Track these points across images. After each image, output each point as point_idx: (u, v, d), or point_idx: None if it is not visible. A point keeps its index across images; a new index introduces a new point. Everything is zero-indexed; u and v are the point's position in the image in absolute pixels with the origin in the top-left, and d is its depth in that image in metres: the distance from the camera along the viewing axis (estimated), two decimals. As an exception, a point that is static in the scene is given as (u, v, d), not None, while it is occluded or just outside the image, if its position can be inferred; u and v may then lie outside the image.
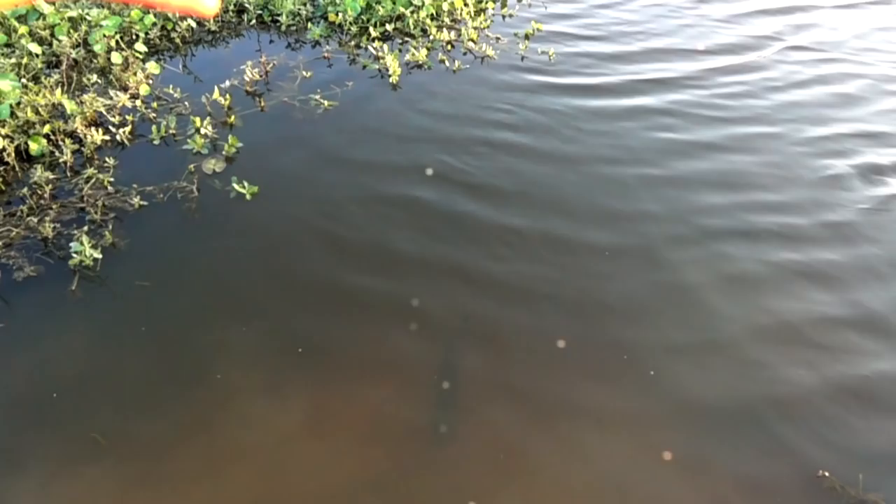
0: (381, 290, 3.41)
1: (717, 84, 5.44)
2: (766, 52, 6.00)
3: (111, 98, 4.56)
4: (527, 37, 5.93)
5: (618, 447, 2.77)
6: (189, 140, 4.30)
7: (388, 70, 5.20)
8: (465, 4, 6.25)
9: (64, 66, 4.91)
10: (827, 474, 2.69)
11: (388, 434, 2.82)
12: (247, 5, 5.93)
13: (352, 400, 2.94)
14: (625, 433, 2.82)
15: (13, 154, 4.03)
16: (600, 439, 2.79)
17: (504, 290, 3.44)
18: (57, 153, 4.10)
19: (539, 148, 4.49)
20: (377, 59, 5.39)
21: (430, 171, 4.17)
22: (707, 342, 3.22)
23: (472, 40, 5.75)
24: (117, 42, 5.23)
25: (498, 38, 5.90)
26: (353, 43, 5.66)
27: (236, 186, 3.93)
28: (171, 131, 4.42)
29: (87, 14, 5.35)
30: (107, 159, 4.10)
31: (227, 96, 4.73)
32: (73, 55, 5.01)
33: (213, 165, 4.16)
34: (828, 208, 4.10)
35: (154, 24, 5.54)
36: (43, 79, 4.74)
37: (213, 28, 5.72)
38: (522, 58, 5.60)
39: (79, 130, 4.24)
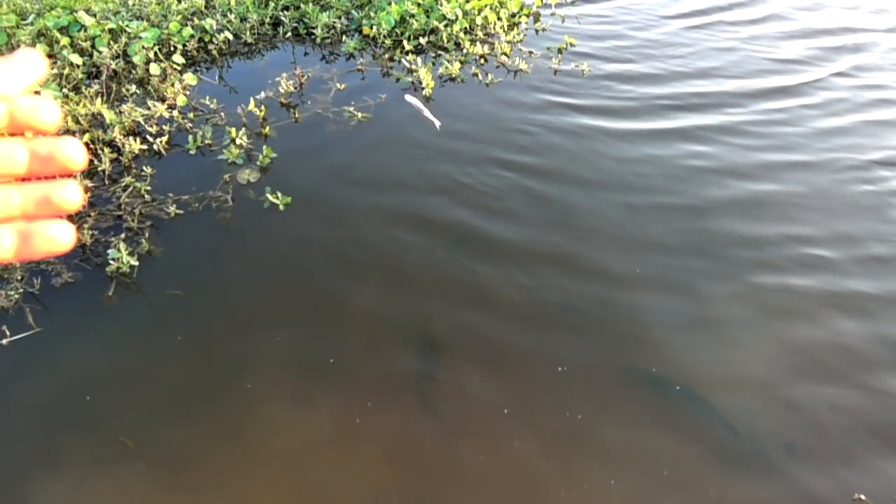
0: (404, 308, 3.39)
1: (754, 111, 5.19)
2: (809, 78, 5.74)
3: (149, 108, 4.63)
4: (560, 51, 5.91)
5: (634, 484, 2.69)
6: (224, 150, 4.34)
7: (421, 83, 5.21)
8: (499, 19, 6.25)
9: (104, 77, 5.00)
10: (863, 497, 2.61)
11: (415, 446, 2.79)
12: (282, 18, 6.00)
13: (381, 411, 2.92)
14: (642, 469, 2.74)
15: (53, 162, 4.09)
16: (617, 475, 2.71)
17: (522, 318, 3.34)
18: (96, 161, 4.16)
19: (564, 175, 4.33)
20: (410, 72, 5.41)
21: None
22: (731, 378, 3.08)
23: (506, 54, 5.75)
24: (156, 53, 5.32)
25: (531, 53, 5.89)
26: (386, 56, 5.70)
27: (270, 197, 3.95)
28: (206, 141, 4.46)
29: (127, 26, 5.45)
30: (144, 168, 4.16)
31: (262, 107, 4.77)
32: (113, 66, 5.10)
33: (247, 175, 4.19)
34: (865, 242, 3.89)
35: (192, 37, 5.62)
36: (83, 89, 4.83)
37: (250, 41, 5.79)
38: (555, 72, 5.58)
39: (117, 140, 4.31)
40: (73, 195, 0.57)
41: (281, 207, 3.93)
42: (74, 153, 0.56)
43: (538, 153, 4.55)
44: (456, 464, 2.72)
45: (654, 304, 3.41)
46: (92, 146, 4.29)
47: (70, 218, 3.66)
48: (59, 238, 0.57)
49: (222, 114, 4.79)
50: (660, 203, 4.14)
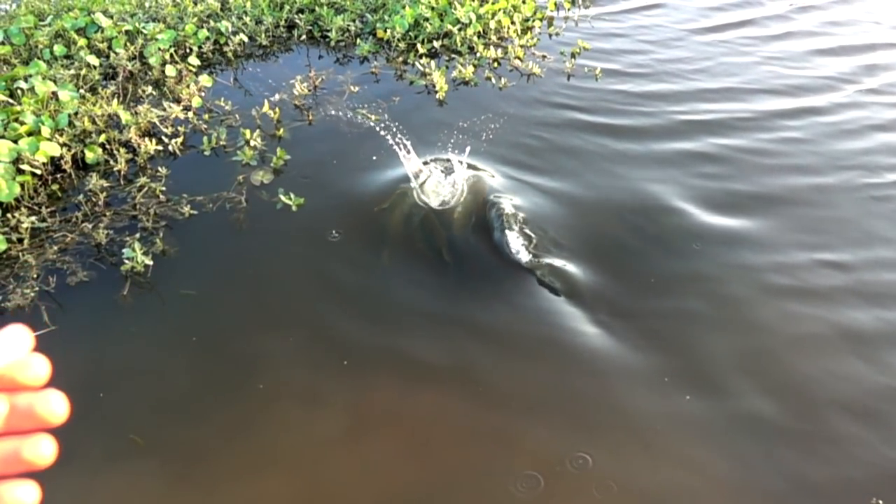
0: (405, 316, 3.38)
1: (775, 128, 4.99)
2: (833, 95, 5.53)
3: (164, 109, 4.66)
4: (573, 56, 5.90)
5: None
6: (238, 152, 4.36)
7: (434, 86, 5.23)
8: (512, 23, 6.26)
9: (120, 78, 5.05)
10: (881, 503, 2.57)
11: (427, 446, 2.80)
12: (297, 21, 6.03)
13: (393, 412, 2.92)
14: None
15: (70, 162, 4.14)
16: None
17: (528, 344, 3.25)
18: (111, 162, 4.20)
19: (572, 192, 4.20)
20: (424, 75, 5.43)
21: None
22: (757, 414, 2.93)
23: (519, 58, 5.75)
24: (172, 55, 5.37)
25: (544, 57, 5.88)
26: (400, 59, 5.71)
27: (283, 198, 3.97)
28: (221, 143, 4.49)
29: (144, 28, 5.50)
30: (159, 169, 4.18)
31: (277, 109, 4.80)
32: (129, 67, 5.15)
33: (261, 177, 4.21)
34: (883, 264, 3.76)
35: (207, 39, 5.67)
36: (100, 90, 4.88)
37: (264, 43, 5.83)
38: (569, 76, 5.57)
39: (133, 140, 4.34)
40: (47, 450, 0.53)
41: (293, 208, 3.94)
42: (56, 407, 0.53)
43: (544, 167, 4.46)
44: (469, 467, 2.72)
45: (655, 326, 3.34)
46: (108, 146, 4.33)
47: (86, 217, 3.70)
48: (25, 501, 0.53)
49: (237, 115, 4.82)
50: (667, 221, 4.01)
